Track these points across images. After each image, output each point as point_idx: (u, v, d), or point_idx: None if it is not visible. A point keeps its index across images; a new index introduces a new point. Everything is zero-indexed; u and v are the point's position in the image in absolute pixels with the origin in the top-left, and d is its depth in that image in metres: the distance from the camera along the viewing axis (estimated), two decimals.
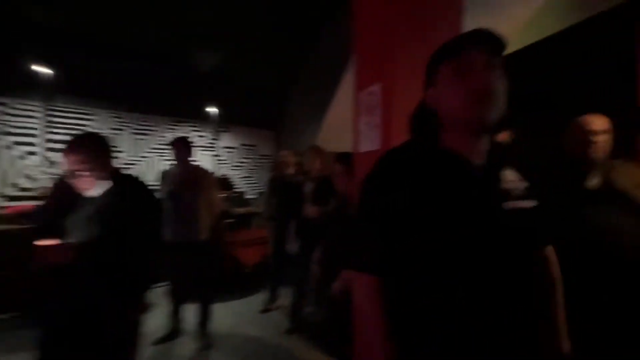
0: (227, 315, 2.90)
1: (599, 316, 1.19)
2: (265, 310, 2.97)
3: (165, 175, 2.43)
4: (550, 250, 0.79)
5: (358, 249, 0.70)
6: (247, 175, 5.49)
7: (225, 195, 4.16)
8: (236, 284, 3.53)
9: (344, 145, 1.93)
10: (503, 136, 2.27)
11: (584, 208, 1.26)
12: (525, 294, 0.65)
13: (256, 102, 5.34)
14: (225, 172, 5.13)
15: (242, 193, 5.09)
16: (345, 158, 1.66)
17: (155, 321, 2.57)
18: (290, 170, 2.86)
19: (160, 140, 4.49)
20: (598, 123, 1.31)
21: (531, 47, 3.21)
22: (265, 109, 5.46)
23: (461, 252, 0.61)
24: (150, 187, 1.42)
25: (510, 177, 0.67)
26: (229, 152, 5.32)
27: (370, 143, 1.42)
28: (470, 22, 1.44)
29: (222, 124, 5.13)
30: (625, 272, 1.17)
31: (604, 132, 1.30)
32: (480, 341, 0.62)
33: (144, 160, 4.43)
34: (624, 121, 1.42)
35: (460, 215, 0.62)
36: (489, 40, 0.65)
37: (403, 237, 0.65)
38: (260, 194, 5.10)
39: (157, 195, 1.82)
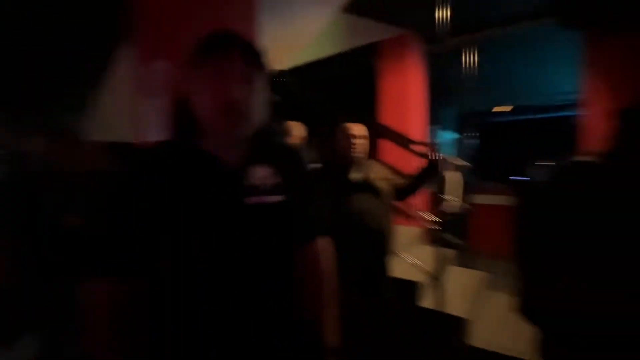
0: None
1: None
2: None
3: None
4: (321, 244, 0.78)
5: (95, 252, 0.63)
6: None
7: None
8: None
9: (124, 133, 1.54)
10: (298, 137, 2.56)
11: (350, 196, 1.58)
12: (275, 288, 0.67)
13: None
14: None
15: None
16: (121, 150, 1.32)
17: None
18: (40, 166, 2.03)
19: None
20: (357, 129, 1.67)
21: (311, 63, 3.83)
22: None
23: (202, 251, 0.61)
24: None
25: (261, 174, 0.68)
26: None
27: (158, 131, 1.19)
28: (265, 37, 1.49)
29: None
30: (374, 243, 1.58)
31: (362, 137, 1.68)
32: (225, 339, 0.62)
33: None
34: (371, 130, 1.90)
35: (205, 218, 0.62)
36: (245, 50, 0.64)
37: (148, 236, 0.61)
38: None
39: None
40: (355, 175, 1.64)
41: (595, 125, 3.00)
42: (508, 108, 7.20)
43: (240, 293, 0.63)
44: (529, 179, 1.02)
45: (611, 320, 0.80)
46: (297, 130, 2.55)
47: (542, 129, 6.96)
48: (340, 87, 4.33)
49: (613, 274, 0.77)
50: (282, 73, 3.93)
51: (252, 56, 0.65)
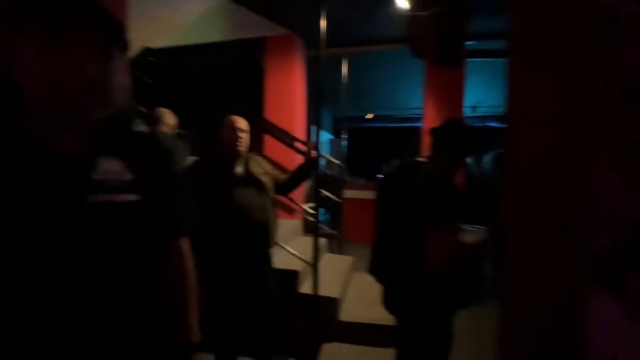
0: None
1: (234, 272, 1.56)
2: None
3: None
4: (182, 244, 0.75)
5: None
6: None
7: None
8: None
9: None
10: (168, 125, 2.31)
11: (234, 189, 1.56)
12: (127, 296, 0.60)
13: None
14: None
15: None
16: None
17: None
18: None
19: None
20: (242, 123, 1.65)
21: (190, 47, 3.53)
22: None
23: (24, 261, 0.50)
24: None
25: (110, 167, 0.58)
26: None
27: None
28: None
29: None
30: (258, 236, 1.61)
31: (246, 131, 1.66)
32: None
33: None
34: (255, 125, 1.91)
35: (29, 219, 0.50)
36: (97, 15, 0.55)
37: None
38: None
39: None
40: (239, 169, 1.62)
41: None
42: (371, 116, 8.44)
43: (83, 304, 0.52)
44: (382, 175, 1.41)
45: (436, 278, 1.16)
46: (167, 118, 2.29)
47: (398, 135, 8.49)
48: (225, 80, 4.14)
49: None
50: (153, 52, 3.46)
51: (107, 24, 0.56)
